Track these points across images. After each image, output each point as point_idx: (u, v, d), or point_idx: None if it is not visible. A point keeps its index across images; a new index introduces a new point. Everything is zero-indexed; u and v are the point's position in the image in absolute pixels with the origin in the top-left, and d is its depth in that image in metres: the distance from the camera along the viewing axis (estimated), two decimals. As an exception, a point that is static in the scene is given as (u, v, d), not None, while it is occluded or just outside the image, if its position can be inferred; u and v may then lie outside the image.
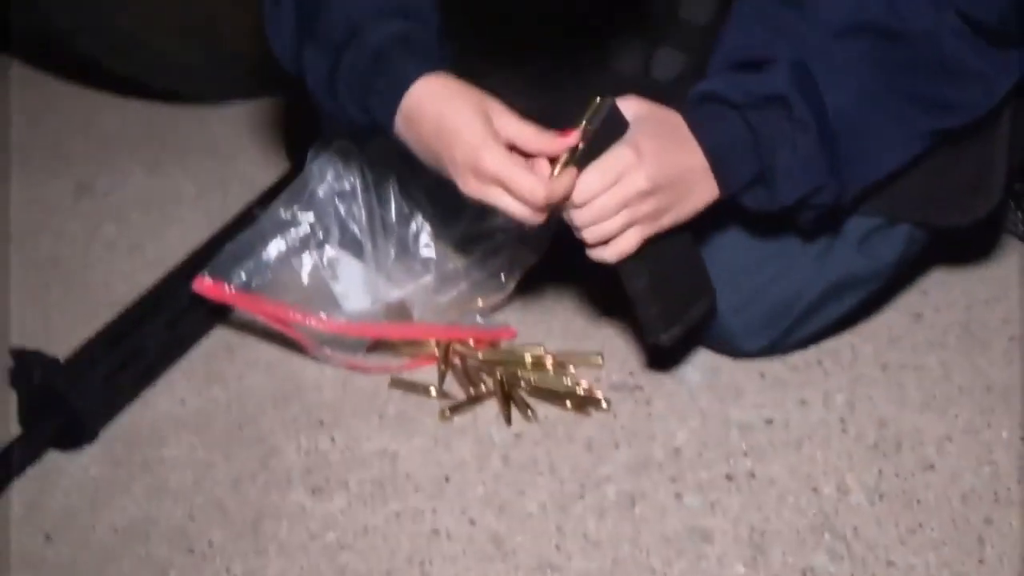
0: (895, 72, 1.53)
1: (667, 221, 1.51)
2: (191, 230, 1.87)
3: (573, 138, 1.45)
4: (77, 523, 1.55)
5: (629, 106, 1.49)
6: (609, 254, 1.50)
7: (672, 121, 1.51)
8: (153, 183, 2.06)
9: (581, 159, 1.44)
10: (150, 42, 2.12)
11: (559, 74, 1.68)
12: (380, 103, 1.51)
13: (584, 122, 1.45)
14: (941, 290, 1.83)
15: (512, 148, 1.46)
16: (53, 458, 1.62)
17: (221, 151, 2.10)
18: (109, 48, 2.12)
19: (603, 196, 1.46)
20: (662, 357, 1.71)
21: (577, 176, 1.44)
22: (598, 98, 1.46)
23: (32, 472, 1.60)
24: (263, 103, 2.17)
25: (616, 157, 1.45)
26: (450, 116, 1.46)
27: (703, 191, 1.52)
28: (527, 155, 1.46)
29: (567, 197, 1.45)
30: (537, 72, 1.70)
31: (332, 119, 1.65)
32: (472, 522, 1.53)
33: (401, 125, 1.50)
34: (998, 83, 1.56)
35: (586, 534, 1.51)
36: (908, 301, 1.81)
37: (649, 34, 1.70)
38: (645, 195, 1.46)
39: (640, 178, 1.45)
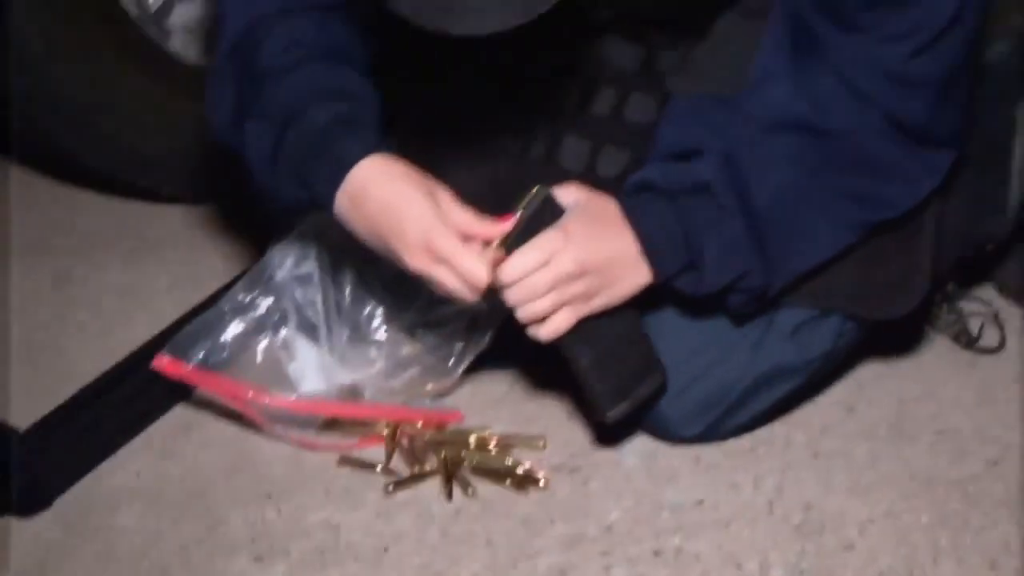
0: (821, 167, 1.56)
1: (599, 303, 1.54)
2: (161, 318, 1.87)
3: (510, 223, 1.49)
4: (25, 583, 1.53)
5: (567, 193, 1.54)
6: (543, 333, 1.53)
7: (608, 208, 1.54)
8: (128, 275, 2.07)
9: (513, 242, 1.48)
10: (133, 143, 2.15)
11: (508, 171, 1.71)
12: (322, 181, 1.53)
13: (521, 208, 1.49)
14: (875, 385, 1.83)
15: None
16: (7, 522, 1.63)
17: (196, 247, 2.11)
18: (92, 147, 2.15)
19: (533, 276, 1.48)
20: (605, 438, 1.73)
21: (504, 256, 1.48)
22: (536, 187, 1.51)
23: (-9, 535, 1.58)
24: (239, 204, 2.20)
25: (546, 239, 1.49)
26: (399, 196, 1.50)
27: (634, 275, 1.55)
28: (466, 238, 1.49)
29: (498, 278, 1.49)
30: (488, 171, 1.72)
31: (266, 196, 1.66)
32: None
33: (343, 203, 1.52)
34: (922, 182, 1.59)
35: None
36: (842, 394, 1.82)
37: (594, 134, 1.73)
38: (573, 277, 1.50)
39: (567, 260, 1.49)
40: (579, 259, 1.50)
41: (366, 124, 1.57)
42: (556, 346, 1.56)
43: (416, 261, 1.49)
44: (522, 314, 1.52)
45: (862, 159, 1.57)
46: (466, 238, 1.50)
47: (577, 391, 1.67)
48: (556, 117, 1.74)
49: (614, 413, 1.60)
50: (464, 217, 1.51)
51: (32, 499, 1.64)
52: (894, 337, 1.86)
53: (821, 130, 1.55)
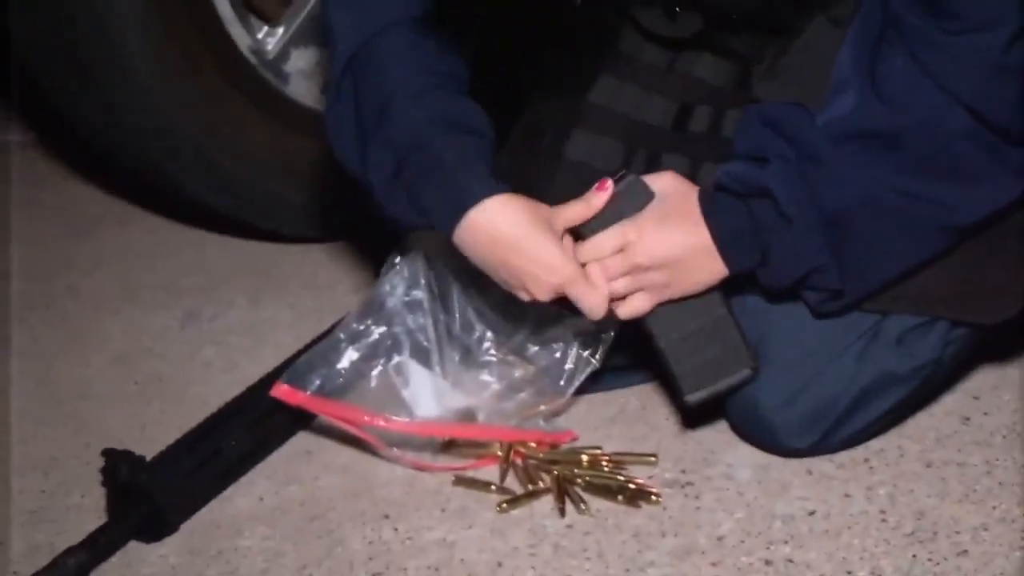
0: (898, 173, 1.56)
1: (674, 291, 1.60)
2: (284, 351, 1.89)
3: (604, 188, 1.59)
4: (154, 605, 1.58)
5: (659, 179, 1.60)
6: (621, 312, 1.60)
7: (688, 202, 1.60)
8: (253, 312, 2.10)
9: (596, 222, 1.56)
10: (254, 185, 2.19)
11: None
12: (443, 215, 1.61)
13: (615, 185, 1.57)
14: (991, 394, 1.82)
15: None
16: (136, 547, 1.65)
17: (319, 283, 2.14)
18: (215, 190, 2.18)
19: (610, 260, 1.56)
20: (689, 421, 1.76)
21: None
22: (624, 170, 1.58)
23: (116, 559, 1.62)
24: (360, 240, 2.25)
25: (620, 232, 1.57)
26: (531, 241, 1.59)
27: (710, 267, 1.59)
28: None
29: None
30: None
31: (384, 213, 1.71)
32: None
33: (463, 236, 1.61)
34: (1010, 183, 1.58)
35: None
36: (957, 404, 1.81)
37: (693, 152, 1.76)
38: (644, 268, 1.55)
39: (638, 253, 1.56)
40: (649, 253, 1.56)
41: (486, 160, 1.63)
42: (638, 326, 1.61)
43: (542, 295, 1.60)
44: (601, 294, 1.58)
45: (942, 161, 1.56)
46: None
47: (663, 373, 1.70)
48: (653, 137, 1.76)
49: (693, 397, 1.65)
50: (576, 212, 1.61)
51: (159, 525, 1.66)
52: (1008, 345, 1.85)
53: (898, 133, 1.55)
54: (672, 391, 1.72)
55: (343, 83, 1.71)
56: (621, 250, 1.56)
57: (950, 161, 1.55)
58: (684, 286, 1.60)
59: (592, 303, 1.59)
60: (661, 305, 1.60)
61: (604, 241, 1.57)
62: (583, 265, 1.58)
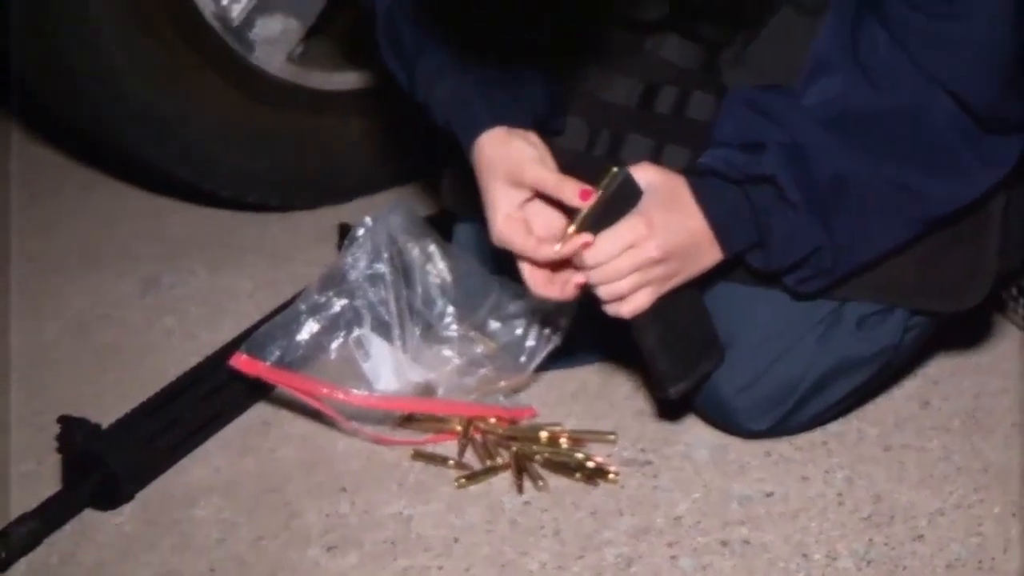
0: (882, 159, 1.57)
1: (676, 282, 1.59)
2: (243, 321, 1.90)
3: (589, 201, 1.55)
4: (105, 572, 1.58)
5: (643, 173, 1.58)
6: (624, 310, 1.57)
7: (680, 189, 1.58)
8: (213, 280, 2.10)
9: (596, 223, 1.53)
10: (217, 153, 2.18)
11: (574, 168, 1.69)
12: (463, 137, 1.68)
13: (601, 188, 1.54)
14: (949, 380, 1.84)
15: (538, 193, 1.59)
16: (90, 515, 1.65)
17: (279, 253, 2.14)
18: (177, 158, 2.19)
19: (617, 260, 1.54)
20: (667, 413, 1.76)
21: (592, 239, 1.53)
22: (614, 168, 1.55)
23: (70, 527, 1.62)
24: (321, 211, 2.25)
25: (630, 228, 1.54)
26: (486, 182, 1.63)
27: (708, 254, 1.60)
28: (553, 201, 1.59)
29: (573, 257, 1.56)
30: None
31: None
32: None
33: (473, 158, 1.67)
34: (989, 172, 1.59)
35: None
36: (916, 389, 1.83)
37: (657, 132, 1.75)
38: (656, 262, 1.54)
39: (652, 247, 1.54)
40: (663, 246, 1.55)
41: (499, 98, 1.68)
42: (629, 325, 1.60)
43: (494, 237, 1.62)
44: (604, 292, 1.57)
45: (928, 150, 1.57)
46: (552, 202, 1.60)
47: (645, 367, 1.70)
48: (618, 116, 1.76)
49: (676, 390, 1.64)
50: (546, 179, 1.61)
51: (114, 493, 1.66)
52: (968, 331, 1.86)
53: (884, 119, 1.57)
54: (651, 384, 1.72)
55: (388, 26, 1.77)
56: (629, 248, 1.55)
57: (933, 152, 1.57)
58: (685, 275, 1.60)
59: (533, 282, 1.62)
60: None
61: (614, 240, 1.55)
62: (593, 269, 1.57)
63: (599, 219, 1.54)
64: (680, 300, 1.62)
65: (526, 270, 1.61)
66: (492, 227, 1.62)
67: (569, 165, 1.68)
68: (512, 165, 1.62)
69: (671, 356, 1.63)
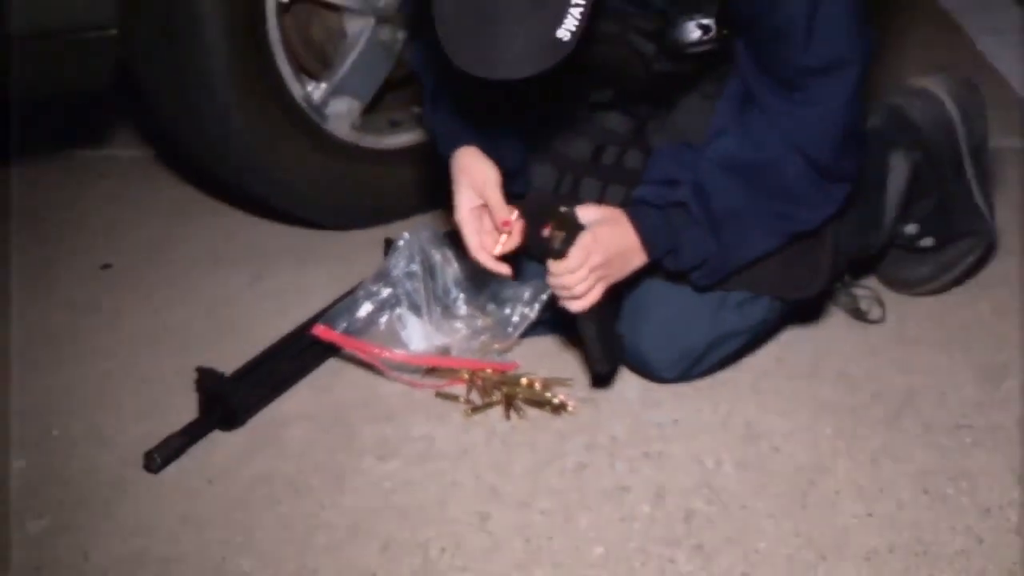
0: (758, 194, 1.58)
1: (616, 277, 1.59)
2: (320, 304, 1.90)
3: (508, 226, 1.61)
4: (228, 471, 1.61)
5: (586, 210, 1.58)
6: (578, 306, 1.58)
7: (618, 216, 1.59)
8: (298, 276, 2.10)
9: (560, 248, 1.54)
10: (301, 188, 2.15)
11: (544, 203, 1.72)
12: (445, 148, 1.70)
13: (553, 220, 1.55)
14: (797, 345, 1.84)
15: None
16: (217, 434, 1.68)
17: (343, 257, 2.13)
18: (274, 191, 2.15)
19: (578, 272, 1.54)
20: (598, 381, 1.75)
21: (554, 260, 1.55)
22: (562, 208, 1.55)
23: (203, 442, 1.66)
24: (372, 229, 2.22)
25: (583, 244, 1.54)
26: (458, 182, 1.66)
27: (637, 258, 1.60)
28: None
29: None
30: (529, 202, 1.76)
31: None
32: (478, 477, 1.57)
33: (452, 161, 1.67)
34: (827, 207, 1.61)
35: (550, 487, 1.55)
36: (775, 350, 1.83)
37: (603, 177, 1.77)
38: (601, 265, 1.55)
39: (597, 255, 1.54)
40: (605, 253, 1.56)
41: (476, 134, 1.68)
42: (577, 321, 1.61)
43: (456, 220, 1.65)
44: (566, 293, 1.56)
45: (787, 190, 1.59)
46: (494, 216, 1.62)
47: (584, 351, 1.71)
48: (577, 166, 1.77)
49: (606, 369, 1.67)
50: (492, 202, 1.63)
51: (232, 419, 1.69)
52: (809, 312, 1.87)
53: (759, 168, 1.57)
54: (588, 364, 1.73)
55: (435, 99, 1.74)
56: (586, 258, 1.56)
57: (793, 190, 1.58)
58: (622, 273, 1.60)
59: (469, 241, 1.65)
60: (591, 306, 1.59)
61: (575, 255, 1.55)
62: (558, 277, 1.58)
63: (564, 243, 1.54)
64: (607, 311, 1.63)
65: (470, 246, 1.65)
66: (457, 213, 1.64)
67: (540, 200, 1.72)
68: (478, 177, 1.64)
69: (602, 346, 1.65)
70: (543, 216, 1.57)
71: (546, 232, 1.55)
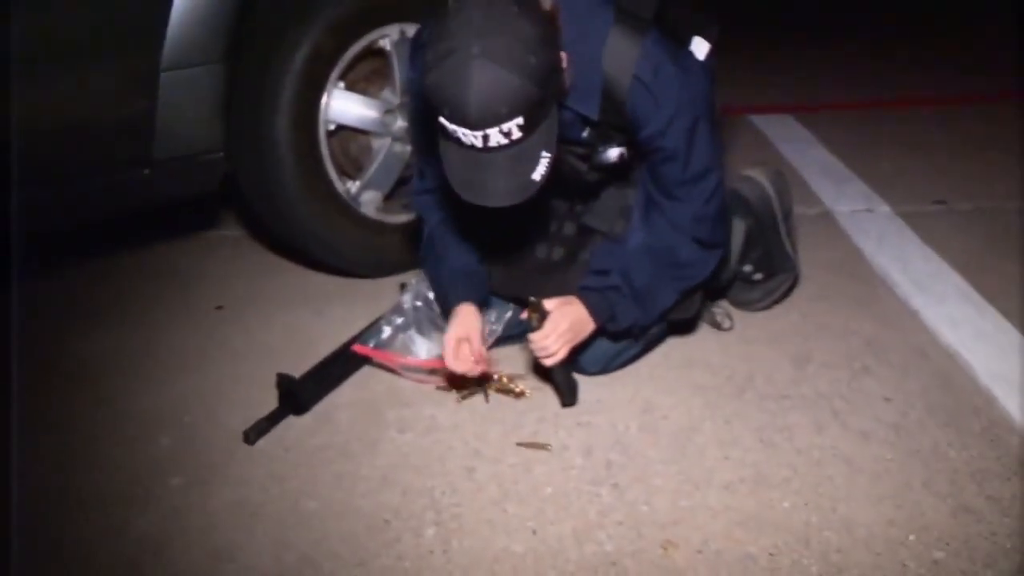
0: (663, 268, 1.57)
1: (577, 340, 1.57)
2: (357, 327, 1.86)
3: (479, 357, 1.58)
4: (298, 443, 1.59)
5: (550, 303, 1.55)
6: (551, 362, 1.56)
7: (572, 300, 1.56)
8: (343, 310, 2.05)
9: (535, 326, 1.53)
10: (341, 250, 2.08)
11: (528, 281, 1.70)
12: (446, 304, 1.65)
13: (530, 310, 1.53)
14: (677, 346, 1.82)
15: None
16: (291, 419, 1.66)
17: (371, 296, 2.08)
18: (322, 250, 2.08)
19: (549, 339, 1.53)
20: (571, 407, 1.66)
21: (532, 333, 1.53)
22: (532, 298, 1.53)
23: (282, 424, 1.64)
24: (391, 277, 2.17)
25: (552, 323, 1.53)
26: (453, 326, 1.59)
27: (589, 326, 1.58)
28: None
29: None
30: (511, 268, 1.73)
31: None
32: (466, 443, 1.56)
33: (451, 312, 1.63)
34: (707, 267, 1.60)
35: (512, 449, 1.54)
36: (662, 350, 1.81)
37: (550, 241, 1.73)
38: (566, 332, 1.53)
39: (564, 328, 1.53)
40: (569, 325, 1.54)
41: (471, 286, 1.65)
42: (550, 371, 1.59)
43: (445, 347, 1.59)
44: (543, 354, 1.54)
45: (681, 261, 1.57)
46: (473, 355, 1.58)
47: (554, 389, 1.66)
48: (533, 237, 1.75)
49: (571, 402, 1.63)
50: (473, 343, 1.58)
51: (301, 408, 1.66)
52: (688, 324, 1.86)
53: (662, 250, 1.56)
54: (558, 397, 1.66)
55: (432, 239, 1.70)
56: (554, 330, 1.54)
57: (685, 261, 1.57)
58: (581, 337, 1.57)
59: (455, 366, 1.58)
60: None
61: (549, 332, 1.53)
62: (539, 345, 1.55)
63: (538, 324, 1.51)
64: (568, 366, 1.61)
65: (447, 359, 1.59)
66: (446, 344, 1.58)
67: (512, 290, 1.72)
68: (466, 325, 1.60)
69: (566, 387, 1.63)
70: (522, 306, 1.59)
71: (524, 316, 1.55)
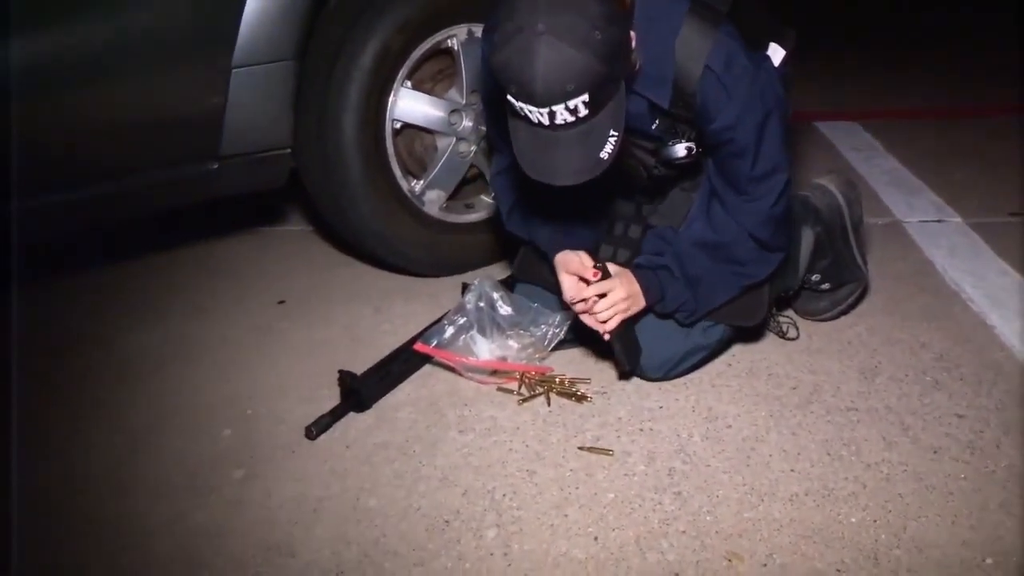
0: (719, 261, 1.57)
1: (630, 313, 1.59)
2: (419, 326, 1.88)
3: (596, 276, 1.57)
4: (359, 440, 1.60)
5: (613, 267, 1.58)
6: (606, 328, 1.57)
7: (628, 272, 1.58)
8: (404, 308, 2.07)
9: (595, 285, 1.55)
10: (403, 247, 2.09)
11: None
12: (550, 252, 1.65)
13: (599, 269, 1.56)
14: (742, 355, 1.81)
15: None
16: (352, 416, 1.67)
17: (434, 295, 2.11)
18: (384, 249, 2.09)
19: (604, 303, 1.54)
20: (624, 376, 1.72)
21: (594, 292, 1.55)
22: (602, 263, 1.58)
23: (343, 421, 1.65)
24: (453, 277, 2.20)
25: (611, 287, 1.55)
26: (560, 273, 1.61)
27: (642, 302, 1.58)
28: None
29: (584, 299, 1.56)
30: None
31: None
32: (527, 445, 1.56)
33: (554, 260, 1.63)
34: (766, 268, 1.59)
35: (573, 453, 1.54)
36: (727, 358, 1.79)
37: (614, 243, 1.75)
38: (621, 300, 1.54)
39: (618, 295, 1.54)
40: (624, 295, 1.55)
41: (566, 241, 1.65)
42: (609, 337, 1.59)
43: (566, 296, 1.60)
44: (601, 319, 1.56)
45: (739, 258, 1.57)
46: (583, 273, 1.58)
47: (613, 359, 1.69)
48: (600, 236, 1.76)
49: (627, 368, 1.65)
50: (579, 267, 1.58)
51: (362, 405, 1.68)
52: (750, 333, 1.84)
53: (720, 244, 1.56)
54: (616, 366, 1.70)
55: (513, 213, 1.72)
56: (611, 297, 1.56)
57: (744, 258, 1.57)
58: (633, 310, 1.59)
59: (567, 285, 1.59)
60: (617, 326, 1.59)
61: (610, 298, 1.56)
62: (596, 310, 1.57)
63: (599, 284, 1.56)
64: (629, 329, 1.62)
65: (571, 298, 1.60)
66: (565, 291, 1.60)
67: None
68: (569, 264, 1.61)
69: (626, 354, 1.63)
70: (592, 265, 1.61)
71: (593, 276, 1.57)
